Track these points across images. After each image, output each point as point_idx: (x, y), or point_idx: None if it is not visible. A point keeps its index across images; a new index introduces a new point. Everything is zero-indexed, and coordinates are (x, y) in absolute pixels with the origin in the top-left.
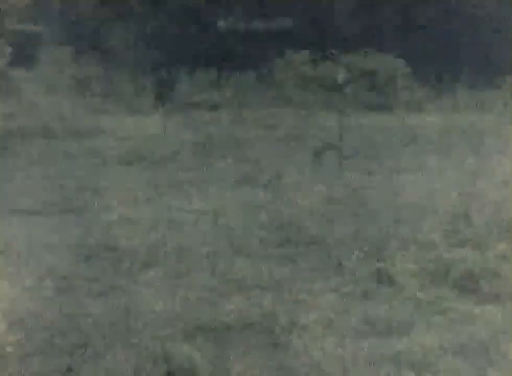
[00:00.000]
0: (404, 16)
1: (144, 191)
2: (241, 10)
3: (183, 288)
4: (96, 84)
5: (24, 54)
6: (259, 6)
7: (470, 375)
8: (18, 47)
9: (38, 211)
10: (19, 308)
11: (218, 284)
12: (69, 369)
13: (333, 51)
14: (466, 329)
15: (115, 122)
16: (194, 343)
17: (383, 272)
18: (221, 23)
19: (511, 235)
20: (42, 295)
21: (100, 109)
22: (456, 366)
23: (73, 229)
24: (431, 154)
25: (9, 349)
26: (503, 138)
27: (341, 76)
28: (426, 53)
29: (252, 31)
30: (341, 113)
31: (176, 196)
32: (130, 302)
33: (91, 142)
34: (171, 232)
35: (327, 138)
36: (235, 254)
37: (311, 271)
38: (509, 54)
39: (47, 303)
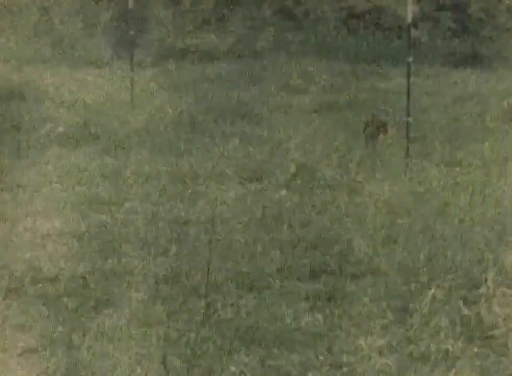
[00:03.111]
0: None
1: (98, 190)
2: None
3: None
4: (26, 17)
5: None
6: None
7: None
8: None
9: None
10: None
11: (216, 333)
12: None
13: None
14: None
15: (53, 79)
16: None
17: (477, 322)
18: None
19: None
20: None
21: (31, 58)
22: None
23: None
24: None
25: None
26: None
27: (411, 11)
28: None
29: None
30: (411, 70)
31: (148, 197)
32: None
33: (13, 110)
34: (137, 253)
35: (386, 110)
36: (241, 288)
37: (360, 320)
38: None
39: None
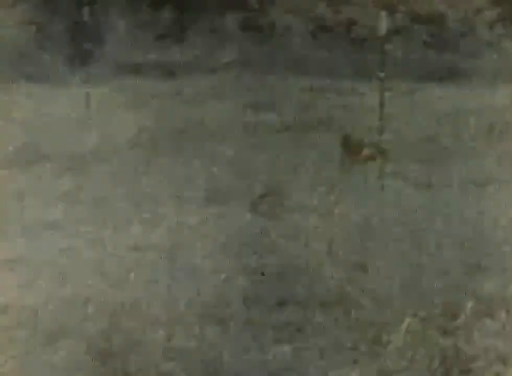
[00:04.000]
0: None
1: (51, 215)
2: None
3: None
4: None
5: None
6: None
7: None
8: None
9: None
10: None
11: (177, 366)
12: None
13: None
14: None
15: (2, 95)
16: None
17: (453, 356)
18: None
19: None
20: None
21: None
22: None
23: None
24: None
25: None
26: None
27: (383, 24)
28: None
29: None
30: (384, 86)
31: (105, 222)
32: None
33: None
34: (93, 281)
35: (358, 128)
36: (204, 318)
37: (330, 351)
38: None
39: None
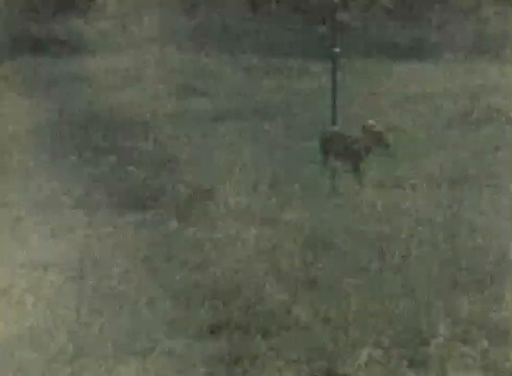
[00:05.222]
0: None
1: None
2: None
3: None
4: None
5: None
6: None
7: None
8: None
9: None
10: None
11: None
12: None
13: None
14: None
15: None
16: None
17: None
18: None
19: None
20: None
21: None
22: None
23: None
24: None
25: None
26: None
27: None
28: None
29: None
30: (338, 63)
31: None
32: None
33: None
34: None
35: (307, 115)
36: (119, 350)
37: None
38: None
39: None
